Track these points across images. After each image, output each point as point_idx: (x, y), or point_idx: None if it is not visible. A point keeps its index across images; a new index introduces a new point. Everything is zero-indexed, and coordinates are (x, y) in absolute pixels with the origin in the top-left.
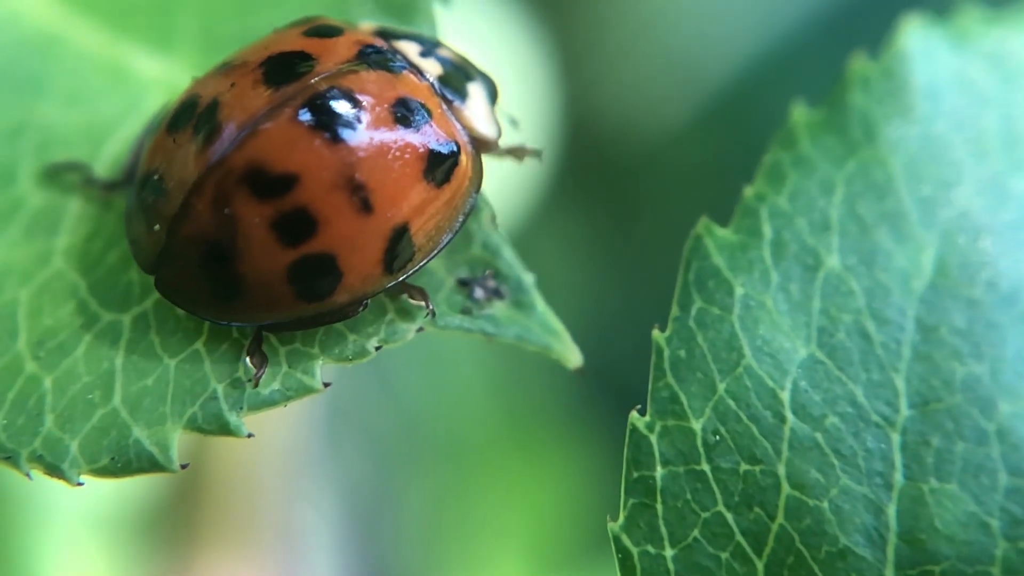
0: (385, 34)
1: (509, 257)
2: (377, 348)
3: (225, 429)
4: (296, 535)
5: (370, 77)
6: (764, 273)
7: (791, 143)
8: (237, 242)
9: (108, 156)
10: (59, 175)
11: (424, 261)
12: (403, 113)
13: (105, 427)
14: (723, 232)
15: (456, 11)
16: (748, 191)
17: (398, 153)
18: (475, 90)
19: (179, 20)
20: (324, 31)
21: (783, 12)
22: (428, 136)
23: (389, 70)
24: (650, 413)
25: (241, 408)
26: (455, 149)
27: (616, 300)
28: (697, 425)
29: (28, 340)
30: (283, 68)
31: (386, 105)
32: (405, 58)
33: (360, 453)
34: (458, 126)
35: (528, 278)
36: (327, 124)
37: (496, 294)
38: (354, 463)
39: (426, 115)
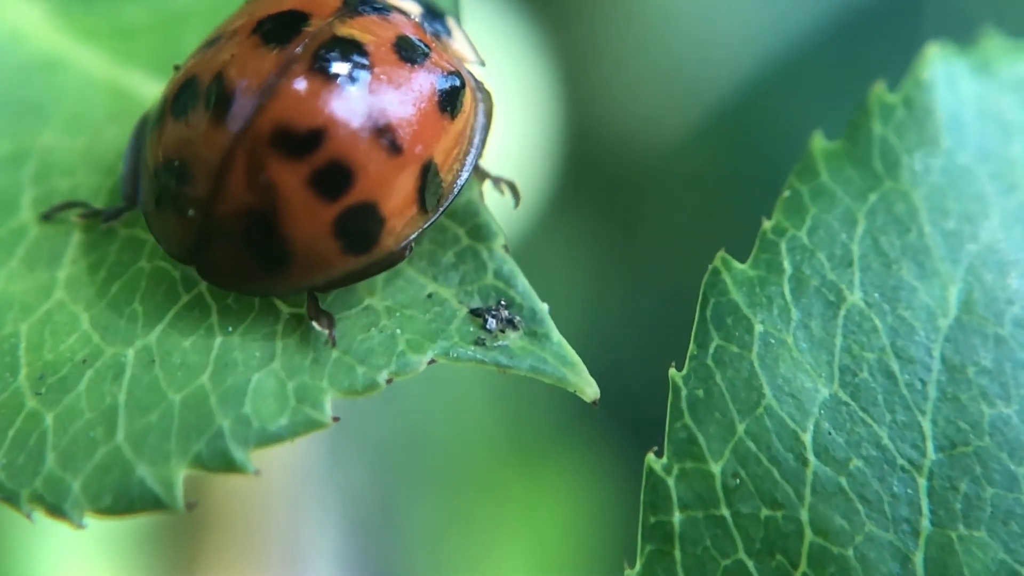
0: None
1: (523, 286)
2: (388, 381)
3: (231, 466)
4: (299, 549)
5: (366, 22)
6: (784, 309)
7: (810, 174)
8: (278, 207)
9: (111, 182)
10: (58, 215)
11: (452, 197)
12: (407, 52)
13: (108, 466)
14: (741, 267)
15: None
16: (766, 224)
17: (412, 91)
18: (452, 24)
19: (182, 44)
20: None
21: (786, 22)
22: (433, 71)
23: (379, 12)
24: (667, 455)
25: (248, 445)
26: (459, 80)
27: (618, 308)
28: (716, 468)
29: (29, 375)
30: (280, 28)
31: (389, 46)
32: (385, 1)
33: (364, 471)
34: (453, 58)
35: (543, 307)
36: (341, 73)
37: (510, 324)
38: (358, 480)
39: (426, 50)
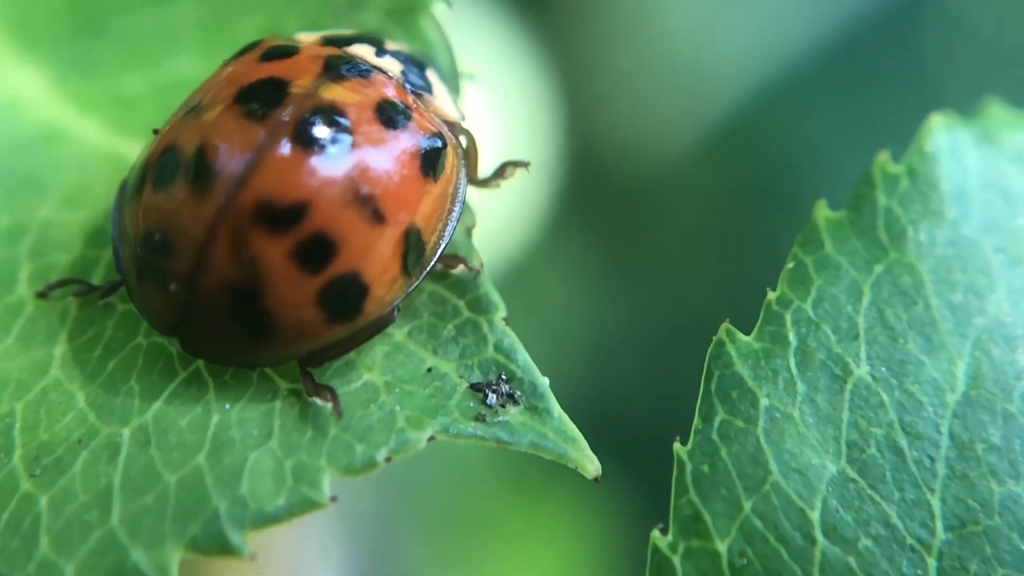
0: (335, 42)
1: (524, 359)
2: (387, 459)
3: (227, 550)
4: None
5: (346, 87)
6: (790, 383)
7: (814, 245)
8: (262, 281)
9: (110, 256)
10: (53, 294)
11: (436, 257)
12: (388, 116)
13: (102, 549)
14: (746, 339)
15: (459, 34)
16: (771, 295)
17: (395, 157)
18: (433, 77)
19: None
20: (279, 52)
21: (788, 37)
22: (415, 134)
23: (360, 77)
24: (672, 532)
25: (244, 527)
26: (441, 141)
27: (619, 322)
28: (722, 546)
29: (24, 456)
30: (259, 98)
31: (370, 112)
32: (366, 62)
33: (364, 506)
34: (435, 118)
35: (543, 381)
36: (323, 144)
37: (511, 399)
38: (358, 515)
39: (408, 113)
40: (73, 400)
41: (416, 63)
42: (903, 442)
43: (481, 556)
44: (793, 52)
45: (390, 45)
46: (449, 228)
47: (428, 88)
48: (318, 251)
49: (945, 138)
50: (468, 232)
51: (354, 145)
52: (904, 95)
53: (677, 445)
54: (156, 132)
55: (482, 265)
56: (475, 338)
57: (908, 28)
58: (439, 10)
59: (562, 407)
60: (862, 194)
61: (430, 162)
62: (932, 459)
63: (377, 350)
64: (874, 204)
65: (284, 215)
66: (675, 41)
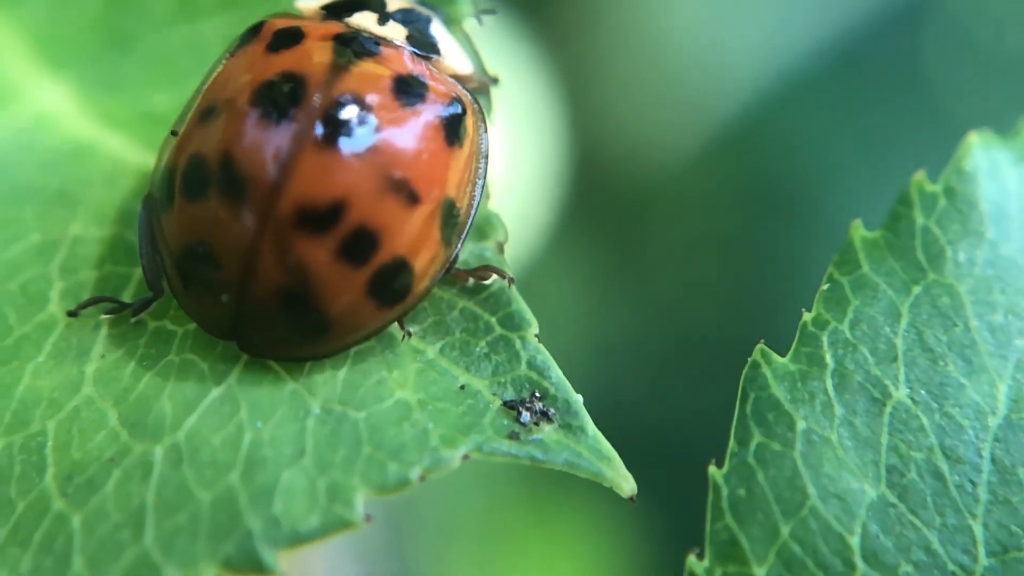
0: (335, 10)
1: (557, 376)
2: (420, 478)
3: (260, 568)
4: None
5: (361, 71)
6: (827, 405)
7: (851, 265)
8: (311, 283)
9: (140, 272)
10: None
11: (471, 219)
12: (405, 93)
13: (136, 569)
14: (781, 360)
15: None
16: (806, 316)
17: (419, 133)
18: (438, 31)
19: None
20: (286, 40)
21: (789, 44)
22: (434, 104)
23: (370, 54)
24: (708, 557)
25: (277, 546)
26: (460, 106)
27: (620, 329)
28: (760, 572)
29: (56, 475)
30: (276, 98)
31: (387, 92)
32: (370, 33)
33: (380, 523)
34: (449, 80)
35: (577, 398)
36: (348, 137)
37: (544, 417)
38: (374, 532)
39: (423, 84)
40: (105, 418)
41: (420, 21)
42: (944, 466)
43: (494, 569)
44: (794, 58)
45: (390, 4)
46: (479, 187)
47: (436, 47)
48: (362, 244)
49: (983, 157)
50: (500, 248)
51: (378, 131)
52: (905, 101)
53: (712, 468)
54: (175, 134)
55: (512, 280)
56: (508, 355)
57: (909, 34)
58: (469, 25)
59: None
60: (899, 214)
61: (453, 129)
62: (974, 484)
63: (410, 367)
64: (911, 224)
65: (324, 216)
66: (677, 48)
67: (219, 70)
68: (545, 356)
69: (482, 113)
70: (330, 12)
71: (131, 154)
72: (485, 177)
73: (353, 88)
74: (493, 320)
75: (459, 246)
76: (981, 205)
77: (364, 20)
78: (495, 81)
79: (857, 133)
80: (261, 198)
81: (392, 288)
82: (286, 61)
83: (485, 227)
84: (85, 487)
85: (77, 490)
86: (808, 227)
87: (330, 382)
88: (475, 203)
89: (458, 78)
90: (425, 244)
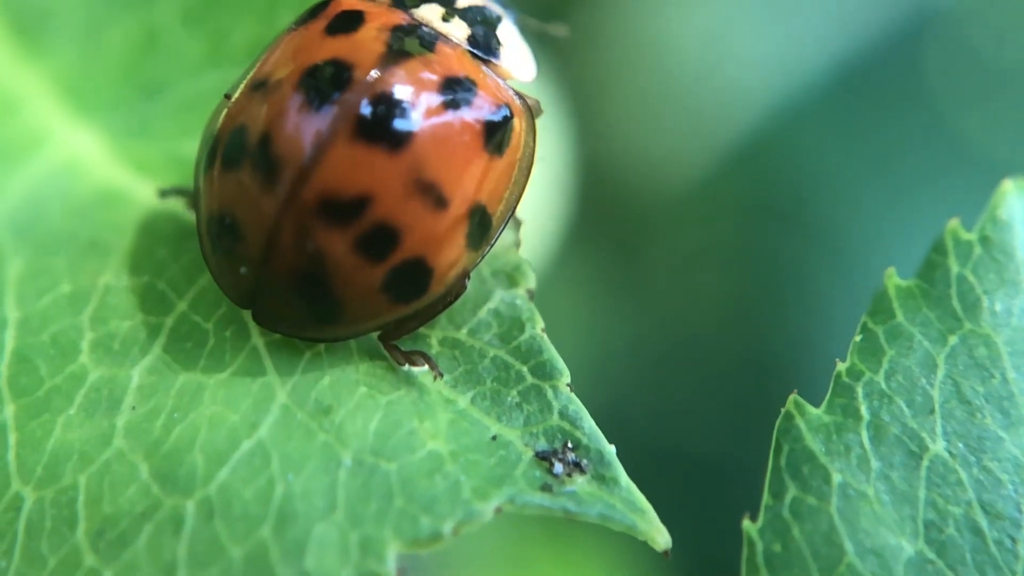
0: (404, 1)
1: (590, 426)
2: (453, 532)
3: None
4: None
5: (409, 68)
6: (863, 459)
7: (885, 315)
8: (327, 270)
9: (171, 322)
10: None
11: (503, 225)
12: (451, 95)
13: None
14: (816, 411)
15: None
16: (840, 366)
17: (457, 138)
18: (506, 33)
19: None
20: (345, 23)
21: (795, 60)
22: (480, 109)
23: (424, 51)
24: None
25: None
26: (508, 113)
27: (627, 341)
28: None
29: (87, 530)
30: (322, 82)
31: (434, 92)
32: (431, 28)
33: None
34: (503, 84)
35: (610, 449)
36: (385, 134)
37: (577, 468)
38: None
39: (472, 87)
40: (136, 472)
41: (488, 20)
42: (983, 522)
43: None
44: (800, 74)
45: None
46: (517, 196)
47: (497, 50)
48: (381, 241)
49: (1018, 205)
50: (530, 295)
51: (416, 132)
52: (909, 115)
53: (747, 523)
54: (228, 97)
55: (531, 292)
56: (540, 404)
57: (912, 49)
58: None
59: None
60: (933, 262)
61: (496, 137)
62: (1013, 540)
63: (441, 417)
64: (947, 272)
65: (347, 208)
66: (685, 64)
67: (281, 41)
68: (577, 406)
69: (533, 125)
70: (398, 3)
71: (161, 200)
72: (525, 185)
73: (398, 84)
74: (525, 369)
75: (488, 248)
76: (1018, 255)
77: (429, 13)
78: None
79: (862, 147)
80: (290, 180)
81: (409, 285)
82: (339, 46)
83: (515, 275)
84: (116, 542)
85: (108, 545)
86: (814, 241)
87: (361, 433)
88: (511, 210)
89: (514, 85)
90: (448, 247)
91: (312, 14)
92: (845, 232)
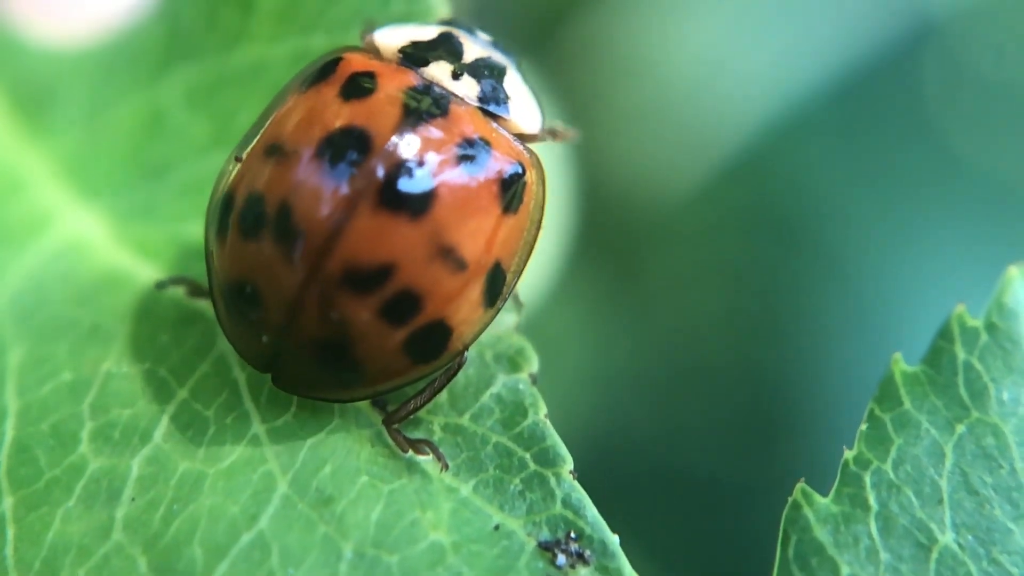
0: (412, 59)
1: (593, 515)
2: None
3: None
4: None
5: (427, 133)
6: (872, 551)
7: (892, 402)
8: (350, 337)
9: (172, 409)
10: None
11: (517, 279)
12: (467, 157)
13: None
14: (823, 500)
15: None
16: (848, 454)
17: (475, 201)
18: (511, 84)
19: None
20: (359, 87)
21: (793, 76)
22: (495, 168)
23: (438, 113)
24: None
25: None
26: (520, 169)
27: (625, 359)
28: None
29: None
30: (341, 152)
31: (451, 156)
32: (443, 88)
33: None
34: (513, 140)
35: (613, 539)
36: (408, 202)
37: (580, 559)
38: None
39: (487, 147)
40: (135, 566)
41: (494, 73)
42: None
43: None
44: (797, 89)
45: (469, 51)
46: (531, 246)
47: (507, 105)
48: (404, 306)
49: None
50: (534, 380)
51: (436, 197)
52: (905, 130)
53: None
54: (239, 160)
55: (534, 377)
56: (543, 493)
57: (908, 65)
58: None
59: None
60: (940, 348)
61: (510, 195)
62: None
63: (444, 507)
64: (953, 359)
65: (371, 277)
66: (680, 81)
67: (290, 101)
68: (580, 494)
69: (543, 176)
70: (406, 57)
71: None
72: (536, 239)
73: (417, 152)
74: (527, 456)
75: (502, 305)
76: None
77: (439, 72)
78: (555, 135)
79: (859, 162)
80: (312, 252)
81: (429, 346)
82: (356, 113)
83: (518, 359)
84: None
85: None
86: (812, 255)
87: (363, 523)
88: (524, 264)
89: (524, 137)
90: (466, 306)
91: (323, 75)
92: (843, 246)
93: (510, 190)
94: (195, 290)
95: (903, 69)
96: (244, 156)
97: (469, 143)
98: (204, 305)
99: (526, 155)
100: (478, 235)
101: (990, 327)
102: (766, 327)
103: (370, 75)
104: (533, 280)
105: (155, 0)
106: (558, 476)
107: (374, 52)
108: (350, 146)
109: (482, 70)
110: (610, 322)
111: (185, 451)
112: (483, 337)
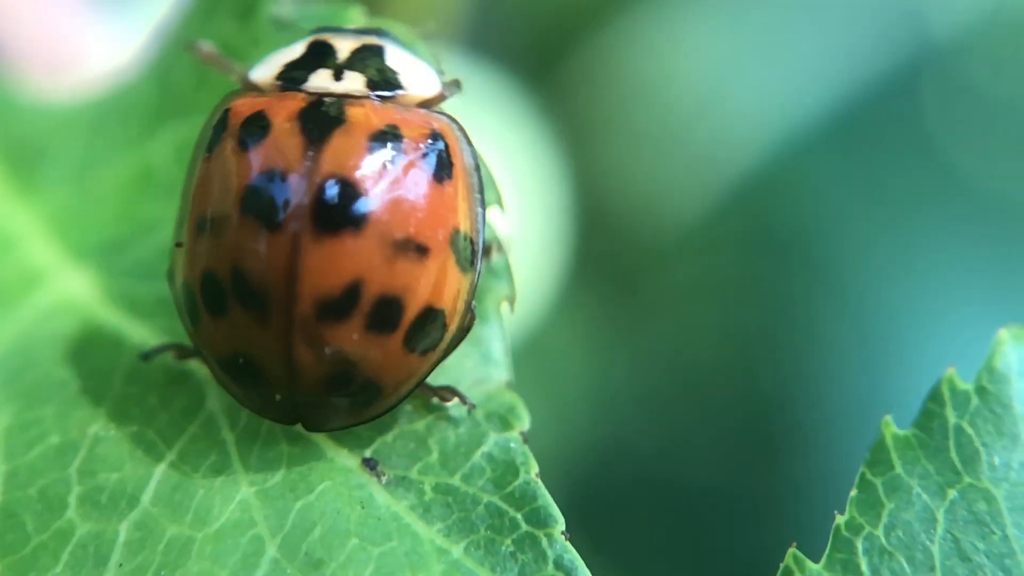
0: (292, 80)
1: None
2: None
3: None
4: None
5: (336, 146)
6: None
7: (884, 466)
8: (353, 362)
9: (160, 471)
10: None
11: (483, 231)
12: (382, 150)
13: None
14: (815, 567)
15: (464, 98)
16: (839, 519)
17: (407, 187)
18: (394, 58)
19: None
20: (253, 132)
21: (800, 100)
22: (412, 148)
23: (337, 122)
24: None
25: None
26: (439, 138)
27: (626, 380)
28: None
29: None
30: (264, 202)
31: (366, 157)
32: (332, 94)
33: None
34: (419, 113)
35: None
36: (345, 218)
37: None
38: None
39: (396, 133)
40: None
41: (373, 57)
42: None
43: None
44: (800, 112)
45: (341, 49)
46: (480, 201)
47: (398, 81)
48: (388, 312)
49: (1014, 355)
50: (525, 438)
51: (370, 201)
52: (907, 151)
53: None
54: (179, 245)
55: (525, 436)
56: (534, 554)
57: (910, 87)
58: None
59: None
60: (931, 412)
61: (440, 165)
62: None
63: (434, 569)
64: (944, 423)
65: (343, 301)
66: (682, 104)
67: (200, 170)
68: (572, 556)
69: (461, 129)
70: (286, 81)
71: (154, 344)
72: (482, 186)
73: (333, 168)
74: (519, 516)
75: (481, 264)
76: (1015, 407)
77: (322, 81)
78: (458, 87)
79: (860, 183)
80: (280, 303)
81: (429, 334)
82: (261, 159)
83: (509, 417)
84: None
85: None
86: (813, 276)
87: None
88: (483, 217)
89: (428, 103)
90: (446, 283)
91: (217, 132)
92: (843, 267)
93: (437, 161)
94: (183, 352)
95: (904, 90)
96: (183, 240)
97: (378, 137)
98: (193, 365)
99: (436, 122)
100: (425, 216)
101: (980, 391)
102: (766, 345)
103: (260, 114)
104: (535, 298)
105: (146, 59)
106: (550, 537)
107: (255, 90)
108: (270, 190)
109: (361, 59)
110: (611, 339)
111: (173, 515)
112: (474, 395)
